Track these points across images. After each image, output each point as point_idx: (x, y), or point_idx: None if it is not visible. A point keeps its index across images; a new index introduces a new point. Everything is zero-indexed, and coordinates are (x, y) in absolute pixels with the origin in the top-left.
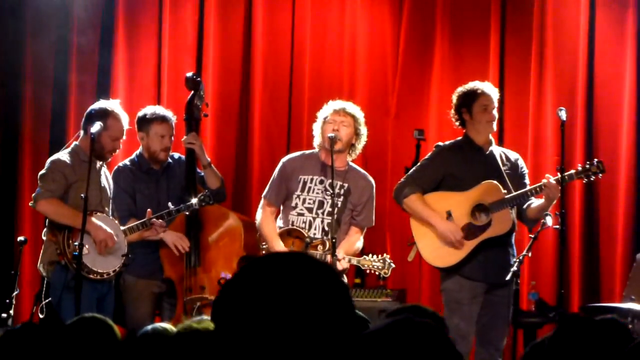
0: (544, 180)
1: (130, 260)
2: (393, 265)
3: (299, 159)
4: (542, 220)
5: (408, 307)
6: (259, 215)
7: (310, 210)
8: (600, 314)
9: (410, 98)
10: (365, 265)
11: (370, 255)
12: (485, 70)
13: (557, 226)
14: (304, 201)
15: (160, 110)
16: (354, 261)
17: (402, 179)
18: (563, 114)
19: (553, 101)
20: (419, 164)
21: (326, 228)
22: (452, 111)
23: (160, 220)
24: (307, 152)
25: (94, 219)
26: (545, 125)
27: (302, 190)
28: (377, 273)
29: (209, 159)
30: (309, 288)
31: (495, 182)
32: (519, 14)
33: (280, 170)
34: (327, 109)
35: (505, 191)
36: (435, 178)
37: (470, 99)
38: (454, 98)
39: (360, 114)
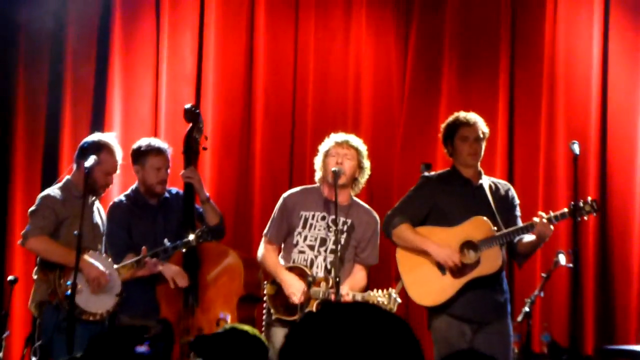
0: (535, 219)
1: (124, 299)
2: (399, 300)
3: (299, 194)
4: (555, 259)
5: (463, 351)
6: (260, 252)
7: (312, 247)
8: (615, 357)
9: (416, 130)
10: (370, 301)
11: (375, 290)
12: (494, 102)
13: (570, 264)
14: (305, 238)
15: (155, 142)
16: (358, 297)
17: (389, 211)
18: (576, 148)
19: (565, 134)
20: (406, 195)
21: (329, 266)
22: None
23: (154, 259)
24: (309, 187)
25: (86, 257)
26: (557, 159)
27: (304, 227)
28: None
29: (207, 194)
30: (379, 342)
31: (484, 218)
32: (529, 45)
33: (281, 207)
34: (329, 142)
35: (495, 228)
36: (422, 210)
37: (451, 131)
38: (441, 130)
39: (363, 147)
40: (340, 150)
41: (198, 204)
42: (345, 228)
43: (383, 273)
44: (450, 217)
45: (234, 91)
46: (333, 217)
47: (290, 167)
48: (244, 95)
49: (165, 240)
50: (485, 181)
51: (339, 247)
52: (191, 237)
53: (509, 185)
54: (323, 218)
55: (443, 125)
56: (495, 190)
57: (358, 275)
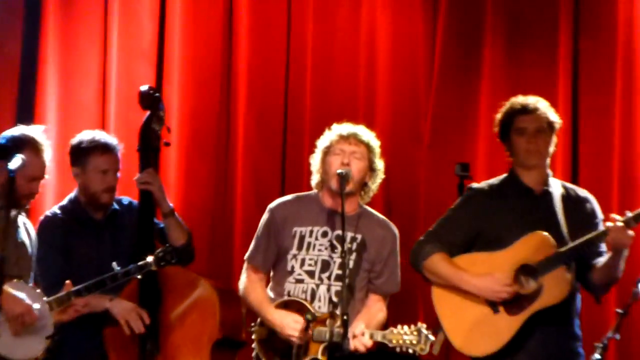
0: (609, 224)
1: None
2: (432, 338)
3: (292, 204)
4: (634, 289)
5: None
6: (242, 284)
7: (311, 274)
8: None
9: (449, 122)
10: (394, 341)
11: (399, 327)
12: (552, 83)
13: None
14: (302, 262)
15: (100, 136)
16: (378, 337)
17: (420, 237)
18: None
19: None
20: (444, 214)
21: (334, 298)
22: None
23: (83, 300)
24: (303, 194)
25: (7, 288)
26: (636, 154)
27: (300, 248)
28: (410, 350)
29: (171, 205)
30: None
31: (543, 233)
32: (598, 8)
33: (268, 222)
34: (331, 136)
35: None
36: (464, 235)
37: (506, 122)
38: (495, 124)
39: (375, 142)
40: (347, 147)
41: (159, 218)
42: (354, 246)
43: (407, 305)
44: (505, 242)
45: (207, 70)
46: (338, 232)
47: (282, 170)
48: (221, 75)
49: (114, 265)
50: (556, 188)
51: (347, 272)
52: (149, 259)
53: (589, 195)
54: (324, 234)
55: (498, 116)
56: (567, 200)
57: (374, 308)
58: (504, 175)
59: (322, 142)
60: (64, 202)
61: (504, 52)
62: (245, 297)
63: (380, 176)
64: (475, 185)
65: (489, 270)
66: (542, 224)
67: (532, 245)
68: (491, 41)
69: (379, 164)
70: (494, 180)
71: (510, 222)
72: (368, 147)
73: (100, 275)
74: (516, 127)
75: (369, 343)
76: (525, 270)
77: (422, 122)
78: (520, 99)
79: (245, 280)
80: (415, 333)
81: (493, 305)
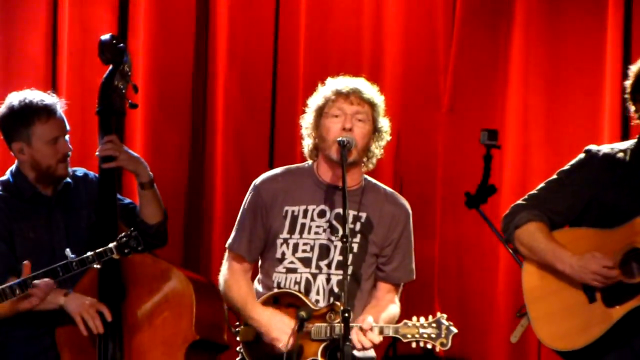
0: None
1: None
2: (454, 330)
3: (281, 179)
4: None
5: None
6: (222, 276)
7: (306, 262)
8: None
9: (474, 81)
10: (409, 336)
11: (414, 319)
12: (599, 36)
13: None
14: (295, 248)
15: (34, 97)
16: (390, 331)
17: (519, 200)
18: None
19: None
20: (552, 177)
21: (336, 289)
22: (628, 99)
23: (46, 280)
24: (294, 167)
25: None
26: None
27: (292, 231)
28: (429, 346)
29: (151, 175)
30: None
31: None
32: None
33: (253, 202)
34: (327, 93)
35: None
36: (574, 204)
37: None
38: (630, 76)
39: (380, 98)
40: (348, 108)
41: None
42: (357, 227)
43: (424, 295)
44: (620, 219)
45: (179, 17)
46: (338, 211)
47: (271, 139)
48: (197, 24)
49: (68, 251)
50: None
51: (349, 258)
52: (112, 244)
53: None
54: (322, 214)
55: (633, 69)
56: None
57: (385, 300)
58: (632, 140)
59: (316, 100)
60: (5, 176)
61: (538, 2)
62: (226, 292)
63: (385, 138)
64: (593, 147)
65: (594, 249)
66: None
67: None
68: None
69: (384, 123)
70: (619, 145)
71: (632, 196)
72: (372, 105)
73: (51, 263)
74: None
75: (377, 339)
76: (636, 256)
77: (440, 81)
78: None
79: (226, 272)
80: (434, 325)
81: (590, 292)
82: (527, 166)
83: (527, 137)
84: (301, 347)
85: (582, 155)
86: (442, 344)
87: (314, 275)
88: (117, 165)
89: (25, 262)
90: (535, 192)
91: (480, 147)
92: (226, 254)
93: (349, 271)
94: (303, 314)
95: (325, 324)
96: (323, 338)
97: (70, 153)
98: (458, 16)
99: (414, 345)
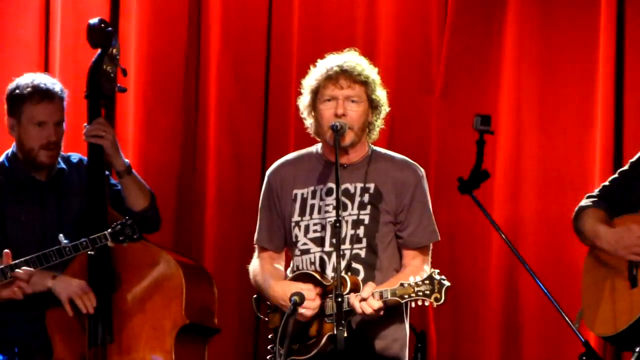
0: None
1: None
2: (447, 284)
3: (289, 164)
4: None
5: None
6: (251, 268)
7: (318, 241)
8: None
9: (466, 68)
10: (406, 296)
11: (411, 278)
12: (593, 22)
13: None
14: (307, 230)
15: (40, 80)
16: (388, 294)
17: (591, 193)
18: None
19: None
20: (623, 167)
21: (354, 265)
22: None
23: (25, 269)
24: (304, 151)
25: None
26: None
27: (302, 213)
28: (426, 303)
29: (127, 162)
30: None
31: None
32: None
33: (266, 191)
34: (318, 74)
35: None
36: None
37: None
38: None
39: (373, 73)
40: (339, 92)
41: (114, 178)
42: (366, 199)
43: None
44: None
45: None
46: (346, 186)
47: (265, 123)
48: (189, 6)
49: (61, 237)
50: None
51: (362, 230)
52: (106, 232)
53: None
54: (329, 192)
55: None
56: None
57: (412, 266)
58: None
59: (309, 82)
60: (0, 159)
61: None
62: (254, 280)
63: (384, 110)
64: None
65: None
66: None
67: None
68: None
69: (382, 96)
70: None
71: None
72: (364, 83)
73: (43, 248)
74: None
75: (376, 304)
76: None
77: (433, 66)
78: None
79: (253, 262)
80: (427, 282)
81: (633, 278)
82: (520, 152)
83: (520, 122)
84: (320, 325)
85: None
86: (436, 299)
87: (329, 254)
88: (102, 144)
89: (6, 250)
90: (607, 183)
91: (473, 133)
92: (256, 249)
93: (364, 243)
94: (296, 298)
95: (329, 299)
96: (332, 317)
97: (58, 143)
98: (451, 1)
99: (412, 304)
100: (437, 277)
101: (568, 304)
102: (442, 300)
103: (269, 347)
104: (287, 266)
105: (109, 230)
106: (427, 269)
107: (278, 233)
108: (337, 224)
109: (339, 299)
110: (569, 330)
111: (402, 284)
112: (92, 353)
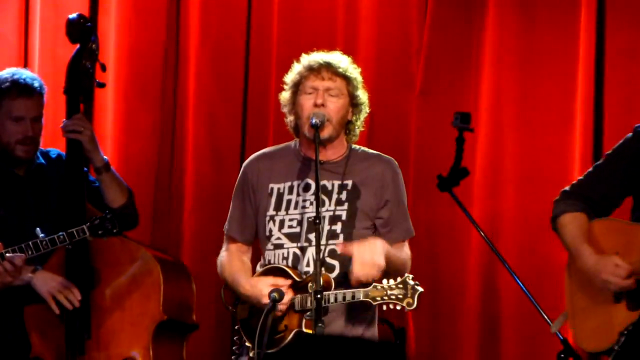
0: None
1: None
2: (420, 289)
3: (266, 158)
4: None
5: None
6: (219, 258)
7: (293, 237)
8: None
9: (446, 66)
10: (378, 298)
11: (384, 281)
12: (572, 18)
13: None
14: (281, 225)
15: (20, 75)
16: (360, 295)
17: (566, 187)
18: None
19: None
20: (599, 162)
21: (329, 260)
22: None
23: (19, 255)
24: (282, 145)
25: None
26: None
27: (278, 208)
28: (398, 307)
29: (106, 158)
30: None
31: None
32: None
33: (240, 183)
34: (300, 69)
35: None
36: (614, 189)
37: None
38: None
39: (355, 71)
40: (319, 84)
41: (92, 174)
42: (343, 196)
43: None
44: None
45: None
46: (323, 182)
47: (243, 119)
48: (169, 2)
49: (38, 230)
50: None
51: (340, 227)
52: (84, 226)
53: None
54: (307, 188)
55: None
56: None
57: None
58: None
59: (290, 77)
60: None
61: None
62: (221, 272)
63: (365, 110)
64: None
65: (623, 245)
66: None
67: None
68: None
69: (362, 96)
70: None
71: None
72: (346, 78)
73: (19, 242)
74: None
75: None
76: None
77: (413, 64)
78: None
79: (221, 254)
80: (400, 286)
81: (618, 292)
82: (500, 149)
83: (500, 120)
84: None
85: (629, 135)
86: (408, 304)
87: (303, 249)
88: (80, 139)
89: None
90: (580, 179)
91: (452, 130)
92: (224, 239)
93: (340, 239)
94: (276, 295)
95: (307, 295)
96: (307, 308)
97: (35, 138)
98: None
99: (384, 307)
100: (411, 282)
101: (547, 302)
102: (414, 306)
103: (235, 338)
104: (255, 260)
105: (87, 224)
106: (408, 252)
107: (249, 225)
108: (317, 221)
109: (318, 296)
110: (548, 328)
111: (375, 286)
112: (70, 349)
